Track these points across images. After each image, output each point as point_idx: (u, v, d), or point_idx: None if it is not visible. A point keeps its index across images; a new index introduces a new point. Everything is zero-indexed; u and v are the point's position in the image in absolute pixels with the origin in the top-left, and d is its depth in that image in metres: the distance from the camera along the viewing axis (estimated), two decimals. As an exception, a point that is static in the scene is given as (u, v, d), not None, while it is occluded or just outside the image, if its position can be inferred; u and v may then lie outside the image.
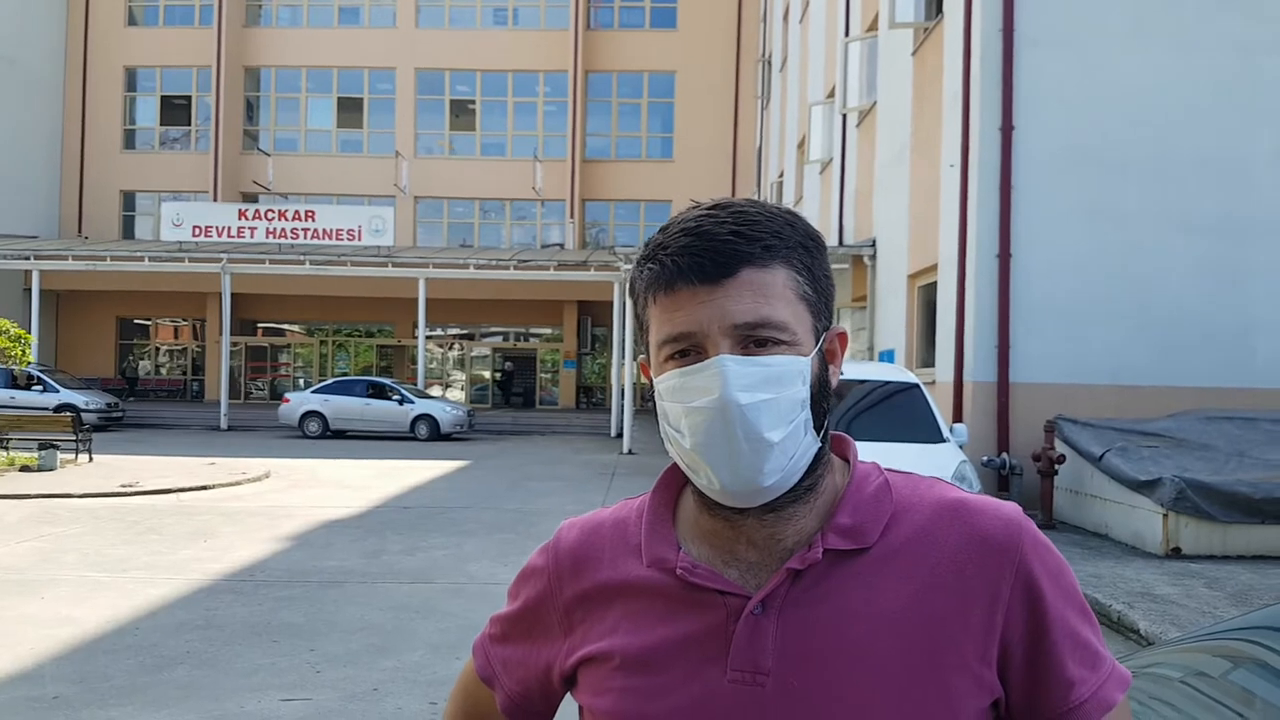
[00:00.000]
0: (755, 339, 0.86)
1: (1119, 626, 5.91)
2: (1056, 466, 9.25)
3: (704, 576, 0.90)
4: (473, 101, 31.22)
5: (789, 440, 0.86)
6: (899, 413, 8.32)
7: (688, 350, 0.87)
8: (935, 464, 7.41)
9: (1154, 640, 5.50)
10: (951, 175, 11.03)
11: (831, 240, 17.55)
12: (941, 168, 11.49)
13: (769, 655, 0.87)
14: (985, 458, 10.04)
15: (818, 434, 0.90)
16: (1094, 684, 0.89)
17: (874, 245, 15.04)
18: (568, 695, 1.01)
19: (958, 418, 10.38)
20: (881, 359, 14.14)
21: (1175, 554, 7.85)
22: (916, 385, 8.62)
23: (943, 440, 8.07)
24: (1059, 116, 10.31)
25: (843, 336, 0.96)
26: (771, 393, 0.85)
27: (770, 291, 0.87)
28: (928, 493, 0.94)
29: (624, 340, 20.98)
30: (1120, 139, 10.30)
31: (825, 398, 0.91)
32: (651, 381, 0.93)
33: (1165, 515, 7.89)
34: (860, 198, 16.18)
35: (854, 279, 16.45)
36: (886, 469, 0.97)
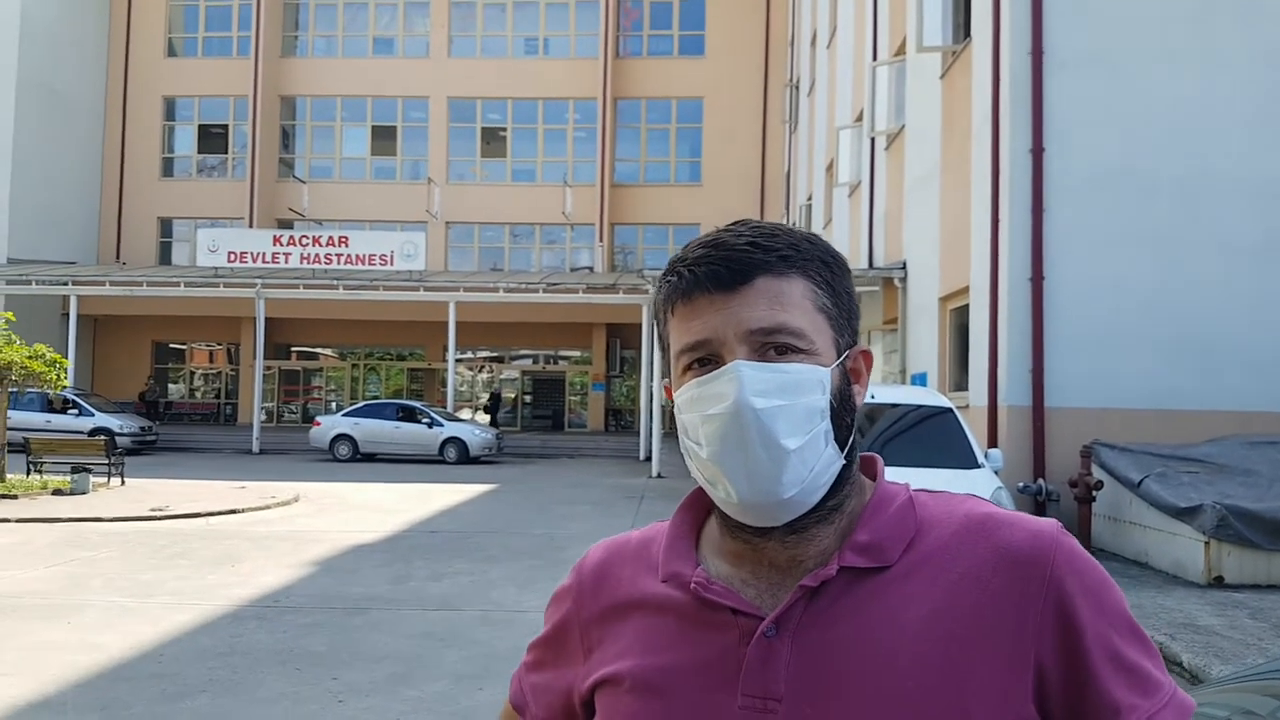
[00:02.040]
0: (773, 345, 0.85)
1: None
2: (1094, 493, 9.03)
3: (718, 593, 0.88)
4: (504, 128, 31.54)
5: (807, 449, 0.83)
6: (932, 438, 8.15)
7: (706, 359, 0.87)
8: (970, 490, 7.22)
9: (1197, 673, 5.33)
10: (982, 198, 10.91)
11: (861, 263, 17.42)
12: (972, 190, 11.37)
13: (781, 680, 0.83)
14: (1021, 484, 9.83)
15: (840, 449, 0.87)
16: (1146, 711, 0.81)
17: (904, 268, 14.90)
18: None
19: (992, 443, 10.19)
20: (913, 382, 13.96)
21: (1218, 583, 7.61)
22: (950, 409, 8.46)
23: (978, 466, 7.90)
24: (1091, 138, 10.17)
25: (867, 356, 0.93)
26: (788, 399, 0.83)
27: (787, 300, 0.86)
28: (958, 508, 0.90)
29: (653, 362, 20.95)
30: (1154, 159, 10.13)
31: (847, 412, 0.88)
32: (673, 400, 0.91)
33: (1207, 543, 7.66)
34: (890, 220, 16.06)
35: (885, 301, 16.30)
36: (917, 489, 0.93)
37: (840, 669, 0.82)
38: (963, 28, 12.31)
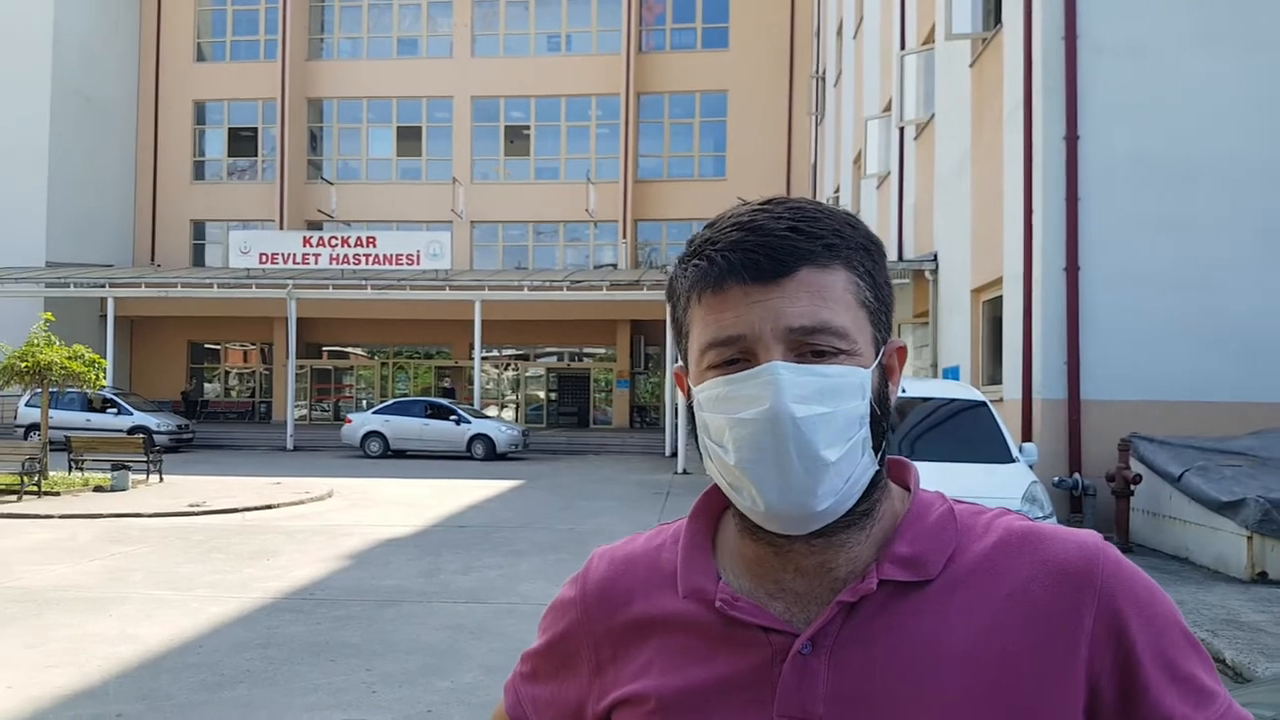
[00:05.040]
0: (812, 346, 0.78)
1: (1204, 654, 5.61)
2: (1132, 487, 8.88)
3: (746, 610, 0.82)
4: (527, 127, 31.62)
5: (845, 460, 0.78)
6: (966, 432, 8.08)
7: (735, 357, 0.80)
8: (1004, 484, 7.16)
9: (1241, 670, 5.23)
10: (1015, 187, 10.76)
11: (891, 255, 17.23)
12: (1004, 179, 11.23)
13: (820, 700, 0.78)
14: (1056, 478, 9.70)
15: (875, 455, 0.81)
16: None
17: (935, 259, 14.75)
18: None
19: (1027, 437, 10.06)
20: (946, 376, 13.82)
21: (1261, 578, 7.46)
22: (984, 403, 8.37)
23: (1012, 460, 7.81)
24: (1126, 124, 10.00)
25: (902, 350, 0.87)
26: (829, 406, 0.77)
27: (830, 295, 0.79)
28: (996, 522, 0.85)
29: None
30: (1191, 146, 9.94)
31: (884, 416, 0.82)
32: (689, 392, 0.84)
33: (1250, 538, 7.51)
34: (920, 211, 15.91)
35: (915, 294, 16.16)
36: (952, 499, 0.88)
37: (882, 688, 0.77)
38: (993, 14, 12.16)
